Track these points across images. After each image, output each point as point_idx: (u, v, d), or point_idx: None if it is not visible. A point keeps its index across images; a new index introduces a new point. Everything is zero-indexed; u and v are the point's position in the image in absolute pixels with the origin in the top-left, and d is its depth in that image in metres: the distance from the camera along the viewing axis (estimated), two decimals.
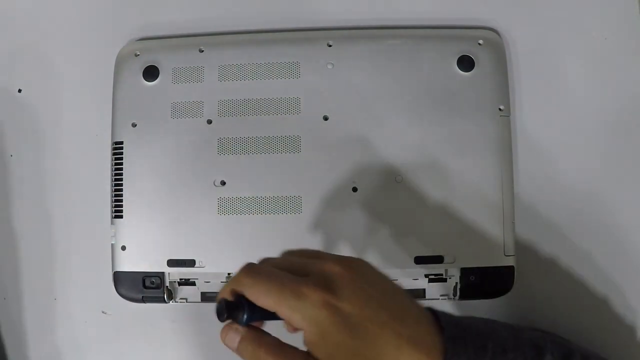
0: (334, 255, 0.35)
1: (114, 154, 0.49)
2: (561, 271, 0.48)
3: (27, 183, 0.52)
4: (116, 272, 0.48)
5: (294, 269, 0.33)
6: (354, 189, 0.47)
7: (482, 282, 0.46)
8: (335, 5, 0.52)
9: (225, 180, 0.48)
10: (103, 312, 0.51)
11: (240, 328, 0.33)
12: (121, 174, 0.48)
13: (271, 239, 0.47)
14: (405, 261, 0.46)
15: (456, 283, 0.46)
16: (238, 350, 0.33)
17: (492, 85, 0.48)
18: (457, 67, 0.48)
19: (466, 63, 0.48)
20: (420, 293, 0.48)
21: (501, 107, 0.47)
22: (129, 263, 0.48)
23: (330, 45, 0.49)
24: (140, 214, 0.48)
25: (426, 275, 0.47)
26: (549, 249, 0.49)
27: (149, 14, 0.53)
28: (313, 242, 0.46)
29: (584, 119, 0.50)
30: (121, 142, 0.49)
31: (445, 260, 0.46)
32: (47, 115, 0.53)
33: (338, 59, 0.48)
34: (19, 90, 0.53)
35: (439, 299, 0.48)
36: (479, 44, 0.48)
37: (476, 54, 0.48)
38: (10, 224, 0.52)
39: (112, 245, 0.48)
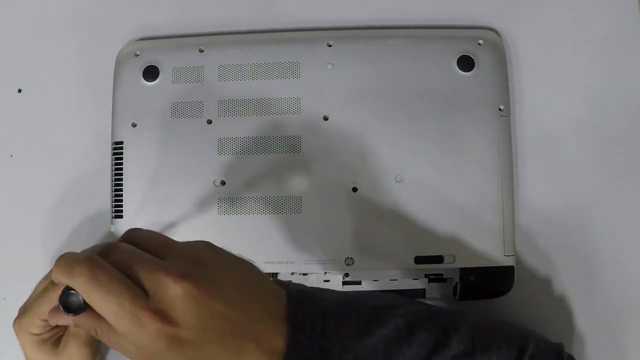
0: (177, 253, 0.32)
1: (114, 154, 0.49)
2: (562, 271, 0.48)
3: (27, 183, 0.52)
4: None
5: (136, 275, 0.31)
6: (354, 189, 0.47)
7: (482, 282, 0.46)
8: (335, 5, 0.52)
9: (225, 180, 0.48)
10: None
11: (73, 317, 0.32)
12: (121, 174, 0.48)
13: (271, 239, 0.47)
14: (405, 261, 0.46)
15: (456, 283, 0.46)
16: (76, 325, 0.32)
17: (492, 85, 0.48)
18: (457, 67, 0.48)
19: (466, 63, 0.48)
20: (420, 293, 0.48)
21: (501, 107, 0.47)
22: None
23: (330, 45, 0.49)
24: (140, 214, 0.48)
25: (426, 275, 0.47)
26: (550, 249, 0.49)
27: (149, 14, 0.53)
28: (313, 242, 0.46)
29: (584, 119, 0.50)
30: (121, 142, 0.49)
31: (445, 260, 0.46)
32: (47, 115, 0.53)
33: (338, 59, 0.48)
34: (19, 90, 0.53)
35: (439, 299, 0.48)
36: (479, 44, 0.48)
37: (476, 54, 0.48)
38: (10, 224, 0.52)
39: None
